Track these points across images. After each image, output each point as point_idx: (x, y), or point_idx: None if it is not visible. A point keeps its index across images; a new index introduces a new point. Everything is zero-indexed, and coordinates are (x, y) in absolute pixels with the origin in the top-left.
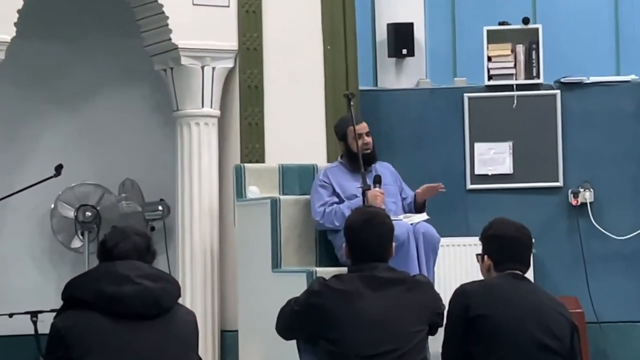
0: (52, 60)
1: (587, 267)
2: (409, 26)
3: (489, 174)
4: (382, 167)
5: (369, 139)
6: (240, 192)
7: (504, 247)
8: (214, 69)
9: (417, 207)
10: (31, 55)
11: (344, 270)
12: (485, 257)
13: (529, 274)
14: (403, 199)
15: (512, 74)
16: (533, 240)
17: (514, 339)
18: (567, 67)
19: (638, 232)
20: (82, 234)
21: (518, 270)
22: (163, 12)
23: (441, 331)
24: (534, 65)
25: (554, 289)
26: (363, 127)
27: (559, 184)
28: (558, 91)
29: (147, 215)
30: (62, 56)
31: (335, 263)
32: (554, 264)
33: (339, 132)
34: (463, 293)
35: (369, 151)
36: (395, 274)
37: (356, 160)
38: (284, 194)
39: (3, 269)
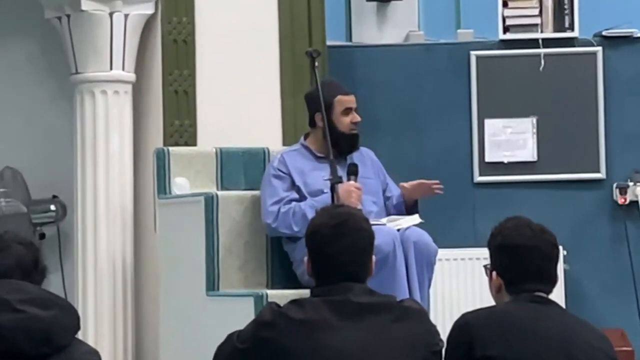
0: None
1: (638, 288)
2: None
3: (505, 161)
4: (360, 154)
5: (358, 117)
6: (162, 185)
7: (519, 260)
8: (126, 16)
9: (408, 208)
10: None
11: (305, 293)
12: (494, 273)
13: (558, 297)
14: (387, 199)
15: (536, 25)
16: (562, 250)
17: None
18: (612, 15)
19: None
20: None
21: (539, 291)
22: None
23: None
24: (567, 12)
25: (593, 317)
26: (353, 100)
27: (601, 175)
28: (599, 48)
29: (34, 217)
30: None
31: (294, 283)
32: (593, 283)
33: (319, 100)
34: (466, 325)
35: (355, 132)
36: (376, 299)
37: (343, 143)
38: (223, 188)
39: None
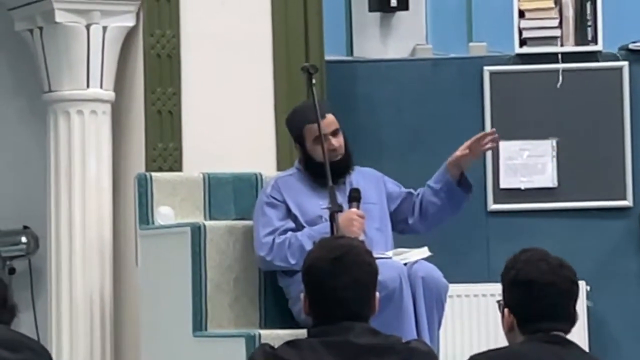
0: None
1: None
2: None
3: (522, 187)
4: (362, 176)
5: (338, 141)
6: (145, 215)
7: (533, 297)
8: (105, 29)
9: (459, 183)
10: None
11: (302, 333)
12: (507, 310)
13: (580, 338)
14: (406, 197)
15: (556, 38)
16: (585, 285)
17: None
18: (637, 28)
19: None
20: None
21: (556, 331)
22: None
23: None
24: (589, 24)
25: (618, 358)
26: (328, 123)
27: (628, 203)
28: (625, 63)
29: (3, 250)
30: None
31: (290, 322)
32: (619, 322)
33: (292, 130)
34: None
35: (338, 158)
36: (380, 340)
37: (321, 172)
38: (211, 218)
39: None
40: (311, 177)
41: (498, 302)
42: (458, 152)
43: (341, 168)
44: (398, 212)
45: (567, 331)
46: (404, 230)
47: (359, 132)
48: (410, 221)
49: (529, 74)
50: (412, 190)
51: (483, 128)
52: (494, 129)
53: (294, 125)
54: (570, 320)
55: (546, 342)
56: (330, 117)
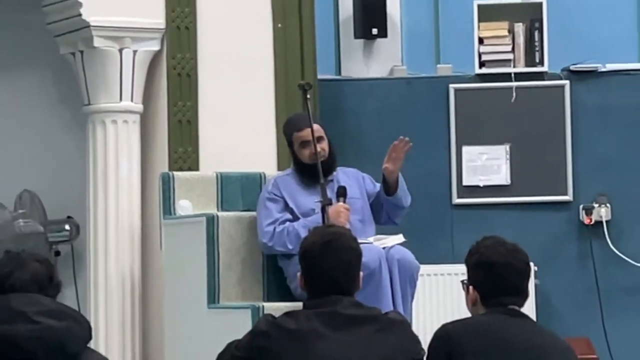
0: None
1: (602, 301)
2: (381, 0)
3: (481, 185)
4: (347, 176)
5: (321, 146)
6: (168, 207)
7: (494, 276)
8: (135, 52)
9: (388, 189)
10: None
11: (298, 305)
12: (471, 287)
13: (529, 310)
14: (378, 203)
15: (509, 60)
16: (533, 266)
17: None
18: (578, 51)
19: None
20: None
21: (512, 305)
22: None
23: None
24: (537, 49)
25: (561, 328)
26: (307, 133)
27: (568, 197)
28: (567, 82)
29: (50, 236)
30: None
31: (288, 297)
32: (561, 297)
33: (286, 136)
34: (445, 335)
35: (321, 159)
36: (363, 311)
37: (305, 172)
38: (223, 209)
39: None
40: (301, 175)
41: (462, 281)
42: (385, 165)
43: (325, 168)
44: (372, 207)
45: (521, 305)
46: (379, 221)
47: (346, 138)
48: (381, 218)
49: (487, 91)
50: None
51: (449, 136)
52: (402, 137)
53: (286, 133)
54: (524, 295)
55: (504, 314)
56: (316, 126)
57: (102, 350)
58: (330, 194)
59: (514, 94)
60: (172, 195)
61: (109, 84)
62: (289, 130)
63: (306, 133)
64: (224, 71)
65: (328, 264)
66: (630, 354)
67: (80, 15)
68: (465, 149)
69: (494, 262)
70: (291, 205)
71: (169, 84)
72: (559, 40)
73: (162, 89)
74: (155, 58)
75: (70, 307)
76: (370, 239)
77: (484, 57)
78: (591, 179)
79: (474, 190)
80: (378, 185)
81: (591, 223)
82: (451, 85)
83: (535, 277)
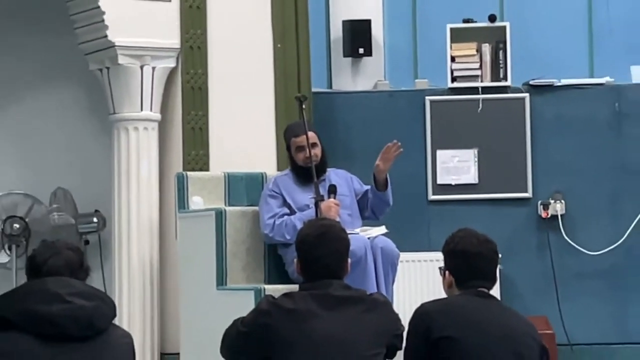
0: None
1: (557, 284)
2: (366, 23)
3: (453, 183)
4: (337, 176)
5: (314, 151)
6: (182, 202)
7: (467, 263)
8: (154, 68)
9: (379, 186)
10: None
11: (295, 287)
12: (447, 272)
13: (496, 292)
14: (365, 192)
15: (477, 76)
16: (499, 254)
17: None
18: (537, 68)
19: (613, 247)
20: (10, 248)
21: (483, 287)
22: (99, 7)
23: (400, 354)
24: (501, 66)
25: (523, 308)
26: (302, 139)
27: (528, 194)
28: (527, 94)
29: (80, 227)
30: None
31: (286, 280)
32: (522, 281)
33: (285, 141)
34: (425, 313)
35: (314, 163)
36: (351, 293)
37: (300, 173)
38: (230, 204)
39: None
40: (296, 176)
41: (439, 268)
42: (377, 162)
43: (317, 170)
44: (359, 203)
45: (490, 288)
46: (363, 217)
47: (336, 143)
48: (365, 213)
49: (458, 102)
50: (369, 187)
51: (425, 141)
52: (396, 142)
53: (285, 138)
54: (492, 279)
55: (475, 295)
56: (311, 133)
57: (125, 326)
58: (323, 191)
59: (481, 105)
60: (186, 192)
61: (132, 95)
62: (287, 136)
63: (302, 139)
64: (231, 85)
65: (321, 252)
66: (581, 330)
67: (106, 36)
68: (439, 153)
69: (467, 250)
70: (289, 201)
71: (183, 96)
72: (521, 58)
73: (177, 100)
74: (172, 73)
75: (98, 289)
76: (357, 230)
77: (455, 73)
78: (548, 179)
79: (447, 188)
80: (365, 186)
81: (548, 217)
82: (427, 97)
83: (500, 264)
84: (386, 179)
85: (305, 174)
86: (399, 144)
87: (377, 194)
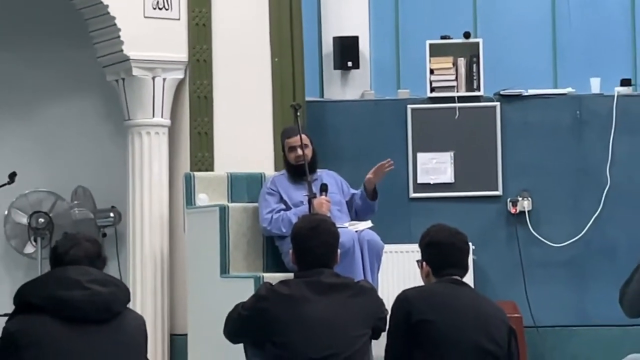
0: (6, 69)
1: (525, 273)
2: (354, 39)
3: (431, 182)
4: (328, 176)
5: (300, 152)
6: (189, 199)
7: (441, 253)
8: (164, 79)
9: (370, 195)
10: None
11: (290, 275)
12: (424, 263)
13: (469, 280)
14: (352, 200)
15: (453, 87)
16: (470, 244)
17: (456, 344)
18: (506, 79)
19: (574, 239)
20: (35, 240)
21: (456, 275)
22: (115, 25)
23: (384, 335)
24: (475, 78)
25: (493, 294)
26: (295, 140)
27: (499, 192)
28: (498, 103)
29: (98, 221)
30: (15, 66)
31: (282, 269)
32: (493, 270)
33: (281, 143)
34: (405, 299)
35: (301, 162)
36: (340, 280)
37: (292, 172)
38: (232, 201)
39: None
40: (291, 175)
41: (417, 261)
42: (368, 175)
43: (308, 168)
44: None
45: (463, 276)
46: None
47: (327, 147)
48: (350, 214)
49: (436, 110)
50: (355, 191)
51: (407, 144)
52: (389, 160)
53: (281, 140)
54: (465, 268)
55: (450, 283)
56: (303, 136)
57: (138, 310)
58: (315, 189)
59: (457, 112)
60: (193, 190)
61: (144, 104)
62: (282, 137)
63: (294, 140)
64: (233, 94)
65: (313, 244)
66: (546, 313)
67: (122, 51)
68: (419, 155)
69: (441, 242)
70: (285, 198)
71: (190, 104)
72: (492, 71)
73: (185, 108)
74: (180, 84)
75: (114, 277)
76: (346, 225)
77: (434, 84)
78: (516, 178)
79: (426, 187)
80: (352, 190)
81: (516, 212)
82: (409, 106)
83: (473, 254)
84: (375, 189)
85: (297, 172)
86: (392, 162)
87: (366, 202)
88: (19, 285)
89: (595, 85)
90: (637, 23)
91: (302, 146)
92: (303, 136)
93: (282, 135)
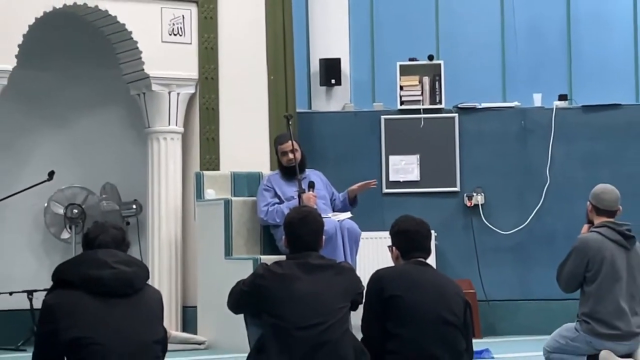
0: (46, 86)
1: (478, 255)
2: (337, 61)
3: (401, 180)
4: (315, 175)
5: (291, 156)
6: (199, 194)
7: (408, 239)
8: (178, 94)
9: (350, 202)
10: (29, 81)
11: (283, 257)
12: (394, 248)
13: (432, 261)
14: (333, 200)
15: (419, 100)
16: (434, 232)
17: (422, 315)
18: (463, 95)
19: (520, 228)
20: (70, 228)
21: (421, 258)
22: (137, 48)
23: (361, 307)
24: (437, 93)
25: (452, 273)
26: (286, 146)
27: (457, 189)
28: (456, 114)
29: (123, 212)
30: (55, 83)
31: (276, 252)
32: (452, 253)
33: (275, 147)
34: (378, 277)
35: (292, 164)
36: (324, 261)
37: (284, 171)
38: (234, 196)
39: (5, 257)
40: (283, 175)
41: (388, 246)
42: (354, 187)
43: (301, 168)
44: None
45: (427, 258)
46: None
47: (314, 153)
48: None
49: (405, 120)
50: (336, 193)
51: (380, 149)
52: (375, 180)
53: (274, 145)
54: (429, 252)
55: (416, 264)
56: (287, 142)
57: (156, 286)
58: (304, 186)
59: (422, 122)
60: (202, 186)
61: (162, 114)
62: (276, 143)
63: (286, 146)
64: (236, 106)
65: (302, 231)
66: (495, 289)
67: (143, 70)
68: (391, 157)
69: (408, 230)
70: (278, 193)
71: (200, 114)
72: (452, 87)
73: (196, 118)
74: (192, 98)
75: (136, 258)
76: (329, 215)
77: (403, 98)
78: (471, 177)
79: (396, 184)
80: (335, 192)
81: (471, 205)
82: (382, 116)
83: (435, 240)
84: (356, 197)
85: (289, 172)
86: (376, 182)
87: (346, 206)
88: (56, 265)
89: (537, 100)
90: (573, 47)
91: (293, 150)
92: (293, 142)
93: (276, 141)
